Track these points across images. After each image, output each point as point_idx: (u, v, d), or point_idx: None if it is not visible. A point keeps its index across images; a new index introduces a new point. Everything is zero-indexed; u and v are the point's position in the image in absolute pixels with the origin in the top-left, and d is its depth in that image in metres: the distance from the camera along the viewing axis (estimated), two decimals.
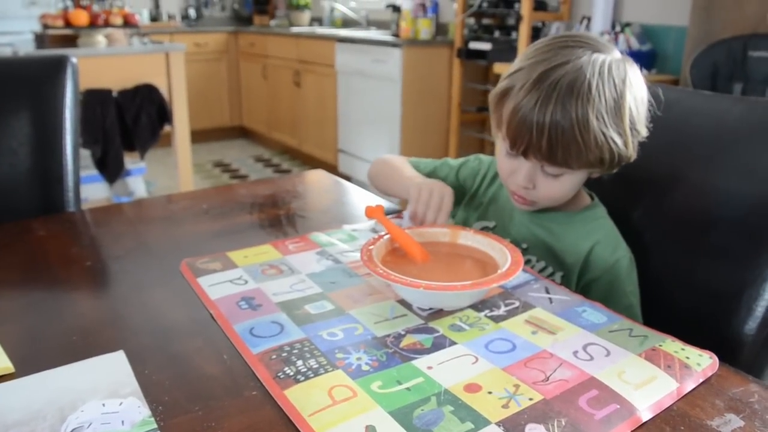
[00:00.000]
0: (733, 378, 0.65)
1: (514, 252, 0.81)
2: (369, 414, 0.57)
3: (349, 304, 0.78)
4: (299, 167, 4.97)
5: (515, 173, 0.92)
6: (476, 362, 0.66)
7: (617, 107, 0.84)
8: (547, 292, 0.82)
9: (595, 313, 0.77)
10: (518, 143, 0.87)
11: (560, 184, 0.90)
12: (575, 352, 0.67)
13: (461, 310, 0.77)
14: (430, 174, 1.14)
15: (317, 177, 1.41)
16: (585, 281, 0.96)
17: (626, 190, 1.02)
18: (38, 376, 0.63)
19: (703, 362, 0.66)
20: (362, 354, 0.67)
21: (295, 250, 0.94)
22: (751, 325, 0.83)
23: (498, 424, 0.56)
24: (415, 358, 0.66)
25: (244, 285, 0.83)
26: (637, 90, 0.87)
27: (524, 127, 0.85)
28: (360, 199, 1.24)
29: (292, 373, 0.63)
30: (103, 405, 0.58)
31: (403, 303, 0.78)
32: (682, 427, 0.56)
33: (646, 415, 0.58)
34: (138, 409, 0.58)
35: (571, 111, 0.82)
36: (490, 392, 0.60)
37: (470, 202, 1.10)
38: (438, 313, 0.76)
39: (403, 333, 0.71)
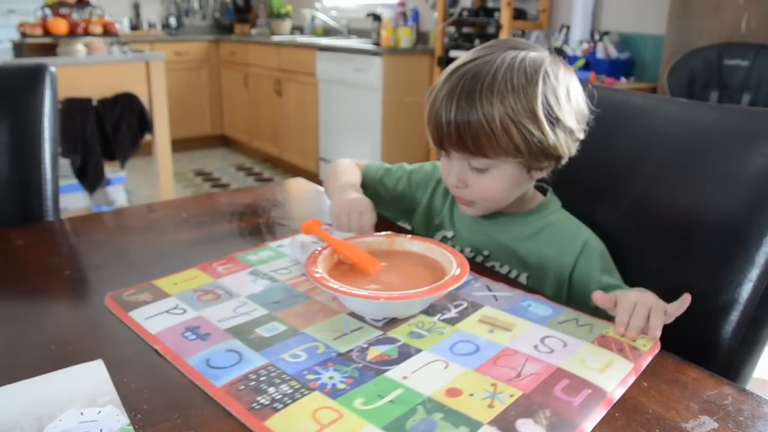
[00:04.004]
0: (707, 381, 0.66)
1: (455, 254, 0.83)
2: None
3: (301, 323, 0.75)
4: (281, 176, 4.96)
5: (449, 174, 0.94)
6: (447, 367, 0.66)
7: (527, 96, 0.85)
8: (489, 290, 0.84)
9: (540, 305, 0.80)
10: (434, 136, 0.92)
11: (490, 180, 0.91)
12: (535, 346, 0.70)
13: (414, 316, 0.77)
14: (383, 176, 1.13)
15: (297, 185, 1.42)
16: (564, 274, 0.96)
17: (604, 196, 1.03)
18: (16, 385, 0.63)
19: (647, 343, 0.71)
20: (333, 372, 0.65)
21: (226, 272, 0.89)
22: (727, 329, 0.84)
23: (490, 423, 0.57)
24: (387, 370, 0.65)
25: (183, 314, 0.76)
26: (557, 83, 0.88)
27: (437, 118, 0.89)
28: None
29: (267, 402, 0.59)
30: (82, 414, 0.58)
31: (355, 315, 0.77)
32: (657, 430, 0.57)
33: (617, 393, 0.62)
34: (116, 418, 0.58)
35: (475, 99, 0.85)
36: (471, 394, 0.61)
37: (429, 212, 1.09)
38: (392, 323, 0.75)
39: (365, 346, 0.70)
